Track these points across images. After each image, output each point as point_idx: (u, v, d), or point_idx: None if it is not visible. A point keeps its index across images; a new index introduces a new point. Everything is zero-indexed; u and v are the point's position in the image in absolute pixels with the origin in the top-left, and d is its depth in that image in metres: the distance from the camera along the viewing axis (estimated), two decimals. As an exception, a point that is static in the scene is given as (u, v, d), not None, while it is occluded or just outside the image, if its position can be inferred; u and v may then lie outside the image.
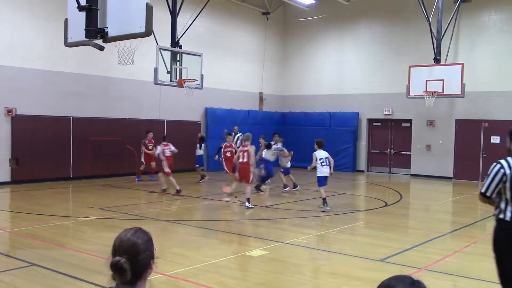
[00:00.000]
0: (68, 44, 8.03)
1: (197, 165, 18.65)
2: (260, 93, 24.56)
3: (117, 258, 2.27)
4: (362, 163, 22.88)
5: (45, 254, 7.66)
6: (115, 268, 2.26)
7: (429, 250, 8.41)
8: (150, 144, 17.30)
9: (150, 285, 2.45)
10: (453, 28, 19.44)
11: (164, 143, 15.24)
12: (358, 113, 22.85)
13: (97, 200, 12.18)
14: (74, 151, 16.79)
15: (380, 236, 9.53)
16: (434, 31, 18.83)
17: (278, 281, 6.69)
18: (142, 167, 17.30)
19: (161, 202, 13.59)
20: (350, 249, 8.19)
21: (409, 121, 21.61)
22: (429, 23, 18.62)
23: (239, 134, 19.65)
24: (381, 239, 9.23)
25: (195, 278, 6.48)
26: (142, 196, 14.31)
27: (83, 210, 11.24)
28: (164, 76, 14.42)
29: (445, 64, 18.78)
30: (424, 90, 18.45)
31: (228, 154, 14.80)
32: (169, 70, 14.54)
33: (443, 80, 18.12)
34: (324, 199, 11.84)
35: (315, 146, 12.34)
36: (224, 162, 15.07)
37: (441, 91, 18.17)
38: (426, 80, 18.43)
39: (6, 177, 15.51)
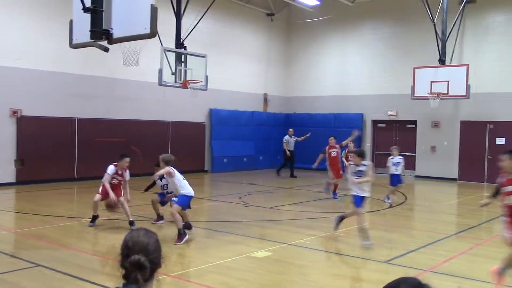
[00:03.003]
0: (73, 46, 8.04)
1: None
2: (265, 94, 24.57)
3: (138, 256, 2.32)
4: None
5: (50, 255, 7.68)
6: (137, 266, 2.32)
7: (434, 251, 8.39)
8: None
9: (158, 284, 2.48)
10: (458, 29, 19.38)
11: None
12: (362, 114, 22.82)
13: (101, 202, 12.18)
14: (79, 152, 16.84)
15: (385, 237, 9.51)
16: (439, 32, 18.77)
17: (282, 282, 6.69)
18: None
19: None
20: (355, 251, 8.18)
21: (414, 122, 21.56)
22: (434, 24, 18.56)
23: (294, 137, 20.49)
24: (386, 241, 9.21)
25: (199, 279, 6.48)
26: (146, 197, 14.31)
27: (88, 211, 11.24)
28: (168, 77, 14.44)
29: (450, 65, 18.71)
30: (429, 91, 18.39)
31: (333, 154, 14.54)
32: (173, 71, 14.56)
33: (448, 81, 18.06)
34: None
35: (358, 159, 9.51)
36: (329, 164, 14.75)
37: (446, 92, 18.11)
38: (431, 81, 18.37)
39: (11, 178, 15.57)
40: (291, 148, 20.44)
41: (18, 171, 15.69)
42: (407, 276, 1.88)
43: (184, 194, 8.69)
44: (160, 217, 10.31)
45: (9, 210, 12.05)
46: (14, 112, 15.48)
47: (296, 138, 20.47)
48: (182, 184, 8.68)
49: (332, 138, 14.77)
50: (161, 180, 9.89)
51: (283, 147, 20.57)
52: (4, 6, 15.16)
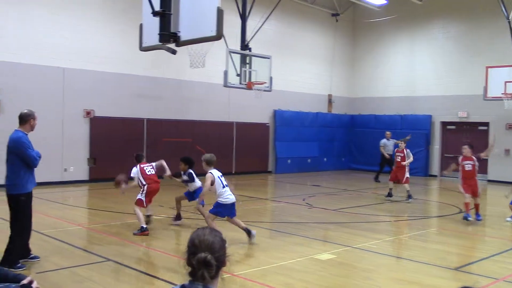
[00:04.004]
0: (143, 49, 8.31)
1: None
2: (329, 95, 24.35)
3: (205, 254, 2.37)
4: (435, 168, 22.11)
5: (120, 250, 7.96)
6: (203, 263, 2.37)
7: (508, 260, 7.98)
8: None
9: (223, 283, 2.52)
10: (535, 26, 18.37)
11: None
12: (430, 115, 22.12)
13: (168, 199, 12.50)
14: (147, 152, 17.37)
15: (454, 243, 9.16)
16: (514, 29, 17.88)
17: (346, 285, 6.59)
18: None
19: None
20: (422, 256, 7.93)
21: (486, 124, 20.65)
22: (509, 22, 17.69)
23: (392, 140, 19.09)
24: (455, 247, 8.87)
25: (262, 279, 6.51)
26: (212, 197, 14.54)
27: (154, 209, 11.58)
28: (233, 79, 14.61)
29: (526, 64, 17.79)
30: (503, 92, 17.57)
31: (467, 168, 11.30)
32: (238, 72, 14.72)
33: (524, 81, 17.20)
34: None
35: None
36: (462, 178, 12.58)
37: (522, 92, 17.25)
38: (505, 82, 17.56)
39: (85, 176, 16.32)
40: (390, 152, 18.80)
41: (90, 169, 16.42)
42: (469, 286, 1.80)
43: (219, 201, 8.35)
44: (179, 217, 10.10)
45: (82, 207, 12.64)
46: (88, 113, 16.21)
47: (395, 140, 18.76)
48: (221, 191, 8.28)
49: (465, 147, 11.48)
50: (184, 175, 9.82)
51: (380, 151, 19.24)
52: (75, 12, 15.91)
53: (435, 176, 21.83)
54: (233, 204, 8.44)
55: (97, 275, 6.58)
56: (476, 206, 11.30)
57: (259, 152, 21.27)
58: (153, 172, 9.73)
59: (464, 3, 21.10)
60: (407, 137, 17.02)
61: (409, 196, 14.12)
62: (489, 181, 20.19)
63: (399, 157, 14.58)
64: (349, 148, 24.85)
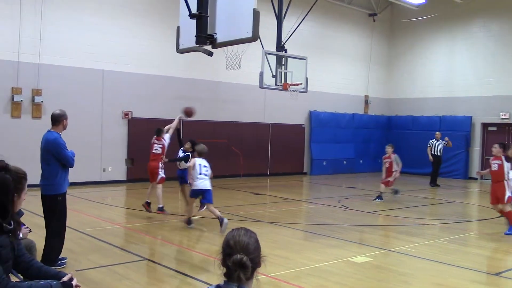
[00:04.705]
0: (180, 51, 8.40)
1: None
2: (365, 96, 24.07)
3: (240, 255, 2.38)
4: (475, 170, 21.56)
5: (156, 250, 8.07)
6: (239, 265, 2.38)
7: (552, 266, 7.71)
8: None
9: (258, 284, 2.52)
10: None
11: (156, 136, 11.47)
12: (471, 117, 21.59)
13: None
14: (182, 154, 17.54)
15: (495, 248, 8.91)
16: (560, 27, 17.31)
17: (382, 289, 6.50)
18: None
19: (264, 204, 13.77)
20: (461, 260, 7.74)
21: (529, 125, 20.02)
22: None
23: (442, 141, 18.56)
24: (497, 252, 8.63)
25: (297, 280, 6.48)
26: (247, 198, 14.61)
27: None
28: (269, 80, 14.61)
29: None
30: (547, 92, 17.01)
31: (494, 167, 10.31)
32: (274, 74, 14.71)
33: None
34: None
35: None
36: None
37: None
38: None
39: (123, 176, 16.63)
40: (439, 153, 18.41)
41: (128, 170, 16.72)
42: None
43: (192, 187, 9.55)
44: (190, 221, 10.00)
45: (120, 206, 12.88)
46: (126, 114, 16.52)
47: (444, 142, 18.41)
48: (196, 177, 9.42)
49: (495, 145, 10.29)
50: (182, 153, 11.41)
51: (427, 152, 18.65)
52: (113, 14, 16.25)
53: (475, 179, 21.29)
54: (205, 191, 9.42)
55: (135, 274, 6.69)
56: (503, 214, 10.01)
57: (295, 154, 21.21)
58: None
59: (506, 1, 20.51)
60: (446, 138, 16.80)
61: (378, 198, 14.10)
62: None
63: (387, 163, 14.34)
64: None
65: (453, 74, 22.40)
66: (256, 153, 19.73)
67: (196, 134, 17.88)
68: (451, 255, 8.26)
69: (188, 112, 10.60)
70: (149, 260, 7.39)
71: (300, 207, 13.54)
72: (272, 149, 20.34)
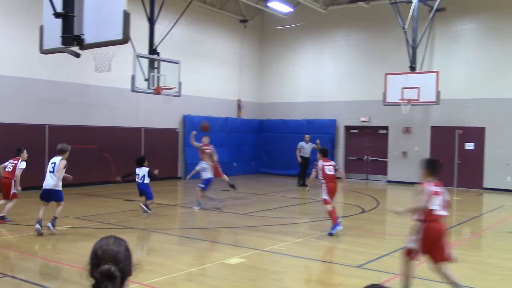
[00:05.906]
0: (43, 51, 7.93)
1: None
2: (238, 100, 24.59)
3: (108, 266, 2.27)
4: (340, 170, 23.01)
5: (19, 265, 7.51)
6: (107, 276, 2.28)
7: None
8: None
9: None
10: (428, 36, 19.79)
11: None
12: (335, 120, 23.02)
13: (73, 209, 11.99)
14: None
15: (358, 242, 9.59)
16: (410, 39, 19.16)
17: (256, 288, 6.68)
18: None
19: (138, 210, 13.45)
20: (328, 256, 8.24)
21: (386, 128, 21.86)
22: (405, 32, 18.95)
23: (310, 143, 19.56)
24: (359, 245, 9.29)
25: (173, 286, 6.43)
26: (118, 205, 14.16)
27: (62, 220, 11.05)
28: (141, 84, 14.32)
29: (420, 72, 19.07)
30: (400, 98, 18.70)
31: (328, 171, 11.38)
32: (146, 77, 14.46)
33: (418, 88, 18.40)
34: None
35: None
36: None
37: (417, 98, 18.44)
38: (402, 88, 18.69)
39: None
40: (306, 155, 19.45)
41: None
42: (376, 283, 1.90)
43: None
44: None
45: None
46: (-18, 119, 15.12)
47: (313, 145, 19.30)
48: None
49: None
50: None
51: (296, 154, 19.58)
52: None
53: (339, 178, 22.70)
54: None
55: (-6, 292, 6.16)
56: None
57: (169, 158, 20.98)
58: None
59: (365, 14, 22.17)
60: (317, 141, 17.85)
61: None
62: (389, 181, 21.39)
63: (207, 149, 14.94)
64: (258, 153, 25.22)
65: (319, 80, 23.71)
66: (128, 159, 19.15)
67: (64, 140, 16.93)
68: (319, 251, 8.75)
69: (204, 127, 10.38)
70: (10, 276, 6.83)
71: (175, 212, 13.44)
72: (146, 154, 19.90)
